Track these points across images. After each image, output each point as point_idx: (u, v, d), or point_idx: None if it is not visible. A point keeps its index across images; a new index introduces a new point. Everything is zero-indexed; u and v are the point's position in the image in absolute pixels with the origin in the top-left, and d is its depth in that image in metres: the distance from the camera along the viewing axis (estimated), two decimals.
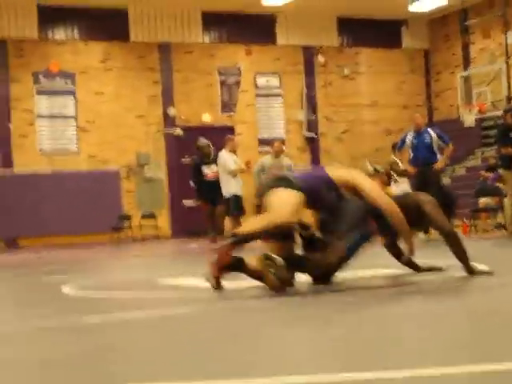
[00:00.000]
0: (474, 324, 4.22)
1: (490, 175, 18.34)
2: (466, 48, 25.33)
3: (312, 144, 25.31)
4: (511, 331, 3.87)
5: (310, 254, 6.32)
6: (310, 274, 6.37)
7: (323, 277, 6.31)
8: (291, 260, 6.11)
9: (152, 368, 3.33)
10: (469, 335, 3.85)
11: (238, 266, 6.16)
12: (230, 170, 14.70)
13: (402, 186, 17.14)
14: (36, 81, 22.41)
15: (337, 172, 6.57)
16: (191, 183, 16.46)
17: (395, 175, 17.45)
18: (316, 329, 4.30)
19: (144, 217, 22.73)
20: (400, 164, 16.78)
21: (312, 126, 25.29)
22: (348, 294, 5.86)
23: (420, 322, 4.34)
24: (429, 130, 14.73)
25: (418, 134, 14.56)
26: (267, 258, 5.94)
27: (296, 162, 23.45)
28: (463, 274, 6.42)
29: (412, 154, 14.55)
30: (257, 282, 6.14)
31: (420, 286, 6.12)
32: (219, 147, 15.45)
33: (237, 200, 14.76)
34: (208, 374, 3.14)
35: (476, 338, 3.73)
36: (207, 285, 6.27)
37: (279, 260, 5.92)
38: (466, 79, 23.09)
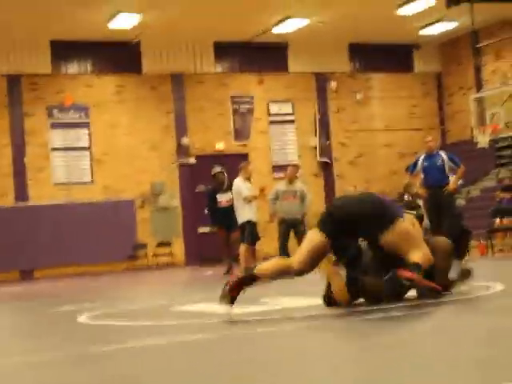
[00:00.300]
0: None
1: (506, 195, 18.28)
2: (478, 70, 25.34)
3: (326, 169, 25.32)
4: None
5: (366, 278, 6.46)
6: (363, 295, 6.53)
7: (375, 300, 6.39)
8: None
9: None
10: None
11: (250, 282, 6.27)
12: (243, 197, 14.74)
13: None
14: (50, 114, 22.56)
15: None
16: (206, 211, 16.56)
17: (409, 198, 17.46)
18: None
19: (159, 245, 22.79)
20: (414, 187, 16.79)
21: (326, 151, 25.32)
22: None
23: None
24: (440, 152, 14.76)
25: (430, 156, 14.58)
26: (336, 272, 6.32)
27: (310, 188, 23.56)
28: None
29: (423, 177, 14.57)
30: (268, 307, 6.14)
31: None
32: (233, 175, 15.51)
33: (251, 226, 14.78)
34: None
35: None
36: (223, 311, 6.27)
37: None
38: (479, 101, 23.09)
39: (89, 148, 22.89)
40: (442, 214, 14.30)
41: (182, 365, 4.12)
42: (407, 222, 6.42)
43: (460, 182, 15.70)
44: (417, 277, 6.03)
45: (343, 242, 6.47)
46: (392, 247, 6.26)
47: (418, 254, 6.19)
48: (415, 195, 16.84)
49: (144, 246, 22.69)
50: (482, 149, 22.54)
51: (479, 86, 25.14)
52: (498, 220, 17.15)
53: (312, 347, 4.51)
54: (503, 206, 17.45)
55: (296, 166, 17.37)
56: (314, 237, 6.35)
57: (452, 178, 14.44)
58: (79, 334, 6.25)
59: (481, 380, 3.17)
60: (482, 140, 22.26)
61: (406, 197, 18.08)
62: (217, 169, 15.91)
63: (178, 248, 23.24)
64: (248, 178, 15.18)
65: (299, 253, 6.40)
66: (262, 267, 6.40)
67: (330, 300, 6.46)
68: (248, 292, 6.25)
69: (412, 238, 6.32)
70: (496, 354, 3.70)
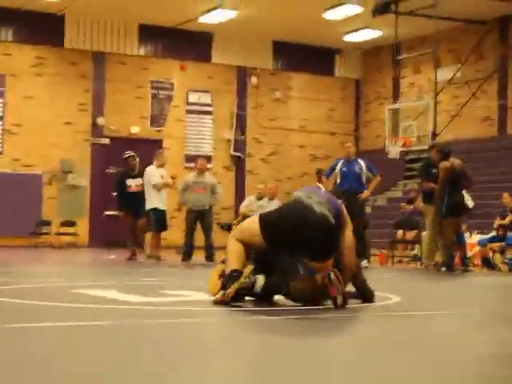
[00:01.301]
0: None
1: (410, 208, 18.69)
2: (396, 81, 25.82)
3: (238, 164, 25.45)
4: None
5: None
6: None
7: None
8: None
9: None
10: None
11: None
12: (153, 184, 14.80)
13: None
14: None
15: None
16: (114, 194, 16.47)
17: None
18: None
19: (63, 224, 22.51)
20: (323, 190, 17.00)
21: (240, 145, 25.44)
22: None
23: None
24: (359, 160, 14.92)
25: (349, 162, 14.75)
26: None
27: (221, 181, 23.65)
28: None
29: (339, 181, 14.71)
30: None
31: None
32: (145, 160, 15.49)
33: (156, 214, 14.83)
34: None
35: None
36: (122, 297, 6.27)
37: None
38: (394, 112, 23.49)
39: (1, 118, 22.49)
40: (352, 219, 14.49)
41: (81, 348, 4.13)
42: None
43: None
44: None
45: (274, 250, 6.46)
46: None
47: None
48: None
49: (48, 223, 22.40)
50: (392, 159, 22.95)
51: (396, 97, 25.61)
52: (400, 231, 17.50)
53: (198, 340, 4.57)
54: (406, 218, 17.82)
55: (206, 158, 17.43)
56: (254, 230, 6.32)
57: (367, 188, 14.60)
58: None
59: None
60: (393, 151, 22.67)
61: None
62: (129, 153, 15.82)
63: (83, 228, 23.03)
64: (161, 166, 15.21)
65: (239, 231, 6.47)
66: (233, 258, 6.35)
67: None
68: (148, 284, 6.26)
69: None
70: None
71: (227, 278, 6.24)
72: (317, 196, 6.44)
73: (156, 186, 14.83)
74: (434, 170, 13.52)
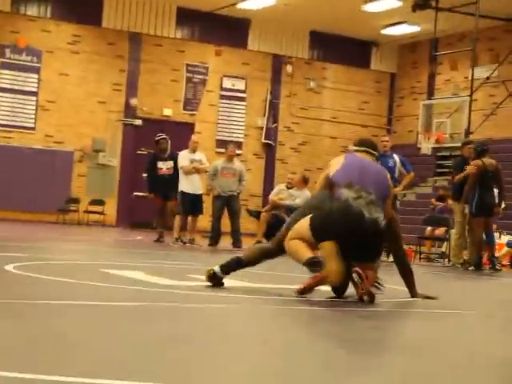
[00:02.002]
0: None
1: (440, 205, 18.60)
2: (432, 77, 25.64)
3: (269, 151, 25.42)
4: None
5: None
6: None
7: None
8: None
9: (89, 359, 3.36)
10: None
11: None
12: (180, 167, 14.92)
13: None
14: (2, 53, 22.20)
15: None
16: (144, 175, 16.53)
17: None
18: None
19: (92, 202, 22.60)
20: None
21: (271, 133, 25.40)
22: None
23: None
24: (394, 154, 14.76)
25: (383, 156, 14.62)
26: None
27: (251, 168, 23.65)
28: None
29: None
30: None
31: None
32: (177, 143, 15.55)
33: (186, 198, 14.88)
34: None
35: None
36: (150, 280, 6.29)
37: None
38: (428, 108, 23.33)
39: (36, 93, 22.60)
40: None
41: (110, 328, 4.15)
42: None
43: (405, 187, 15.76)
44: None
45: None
46: None
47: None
48: None
49: (77, 200, 22.52)
50: (423, 155, 22.84)
51: (431, 93, 25.45)
52: (429, 228, 17.40)
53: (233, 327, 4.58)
54: (436, 215, 17.73)
55: (237, 145, 17.42)
56: (305, 234, 6.35)
57: (400, 184, 14.48)
58: (4, 283, 6.22)
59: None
60: (425, 146, 22.53)
61: None
62: (161, 135, 15.85)
63: (111, 208, 23.12)
64: (193, 151, 15.22)
65: (294, 234, 6.46)
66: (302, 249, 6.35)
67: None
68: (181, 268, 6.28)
69: None
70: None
71: (310, 265, 6.20)
72: (365, 192, 6.33)
73: (182, 168, 14.92)
74: (466, 168, 13.43)
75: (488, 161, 13.34)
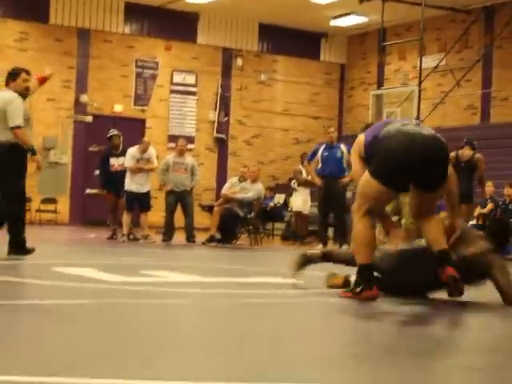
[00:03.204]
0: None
1: None
2: (381, 67, 25.82)
3: (221, 145, 25.42)
4: None
5: None
6: None
7: None
8: None
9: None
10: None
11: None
12: (125, 165, 14.92)
13: (301, 196, 17.57)
14: None
15: None
16: (96, 172, 16.45)
17: (295, 185, 17.87)
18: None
19: (44, 201, 22.39)
20: (304, 174, 17.15)
21: (223, 127, 25.41)
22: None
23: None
24: (341, 145, 15.06)
25: (331, 147, 14.84)
26: None
27: (203, 162, 23.64)
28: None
29: (321, 166, 14.80)
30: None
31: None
32: (128, 139, 15.49)
33: (129, 195, 14.85)
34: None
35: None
36: (101, 276, 6.28)
37: None
38: (378, 98, 23.48)
39: None
40: (332, 204, 14.68)
41: (62, 327, 4.15)
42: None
43: None
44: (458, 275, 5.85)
45: None
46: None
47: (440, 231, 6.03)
48: (303, 183, 17.25)
49: (28, 199, 22.22)
50: None
51: (380, 83, 25.63)
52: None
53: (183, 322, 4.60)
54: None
55: (189, 139, 17.42)
56: (373, 186, 5.96)
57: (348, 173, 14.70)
58: None
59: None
60: None
61: (292, 183, 18.48)
62: (113, 131, 15.77)
63: (63, 206, 22.94)
64: (144, 151, 15.10)
65: (363, 199, 6.03)
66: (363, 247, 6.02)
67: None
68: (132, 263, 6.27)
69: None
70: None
71: (359, 274, 5.96)
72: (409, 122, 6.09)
73: (127, 168, 14.92)
74: None
75: (465, 152, 13.55)
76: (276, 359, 3.57)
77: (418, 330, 4.98)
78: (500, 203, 16.23)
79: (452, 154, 13.39)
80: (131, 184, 14.89)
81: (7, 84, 9.23)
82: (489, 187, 16.09)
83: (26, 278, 6.72)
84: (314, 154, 15.07)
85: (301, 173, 17.62)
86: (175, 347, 3.81)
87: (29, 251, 8.83)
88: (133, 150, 15.04)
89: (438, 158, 6.02)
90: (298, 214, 17.67)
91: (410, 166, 5.87)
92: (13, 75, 9.25)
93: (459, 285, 5.87)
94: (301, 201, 17.57)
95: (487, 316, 5.84)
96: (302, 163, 17.85)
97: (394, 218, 13.18)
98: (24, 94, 9.20)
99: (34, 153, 9.06)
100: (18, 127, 8.83)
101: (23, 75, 9.28)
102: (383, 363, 3.61)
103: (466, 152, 13.58)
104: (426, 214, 6.01)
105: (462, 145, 13.77)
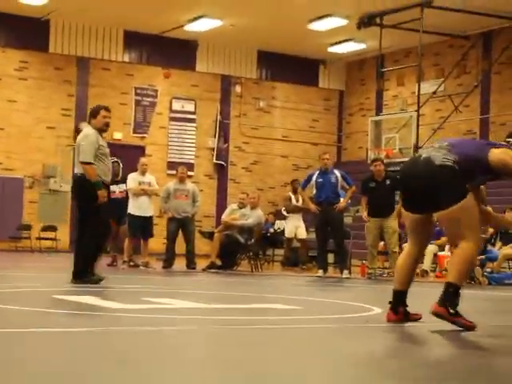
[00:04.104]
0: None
1: None
2: (379, 93, 25.91)
3: (221, 172, 25.46)
4: None
5: None
6: None
7: None
8: None
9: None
10: None
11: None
12: (128, 188, 14.93)
13: (292, 222, 17.73)
14: None
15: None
16: None
17: (285, 212, 18.03)
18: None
19: (44, 228, 22.38)
20: (294, 200, 17.34)
21: (222, 154, 25.45)
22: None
23: None
24: (335, 170, 15.09)
25: (325, 173, 14.84)
26: None
27: (203, 188, 23.66)
28: None
29: (315, 192, 14.80)
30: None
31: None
32: (128, 166, 15.52)
33: (128, 219, 14.83)
34: None
35: None
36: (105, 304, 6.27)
37: None
38: (377, 124, 23.51)
39: None
40: (331, 230, 14.68)
41: (66, 354, 4.13)
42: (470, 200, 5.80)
43: (349, 201, 16.15)
44: (448, 316, 5.80)
45: None
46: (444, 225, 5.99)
47: (459, 262, 5.85)
48: (291, 210, 17.43)
49: (29, 227, 22.30)
50: None
51: (379, 109, 25.70)
52: (381, 243, 17.51)
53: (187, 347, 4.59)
54: None
55: (188, 166, 17.48)
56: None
57: (343, 198, 14.84)
58: None
59: None
60: None
61: (282, 210, 18.65)
62: (113, 159, 15.77)
63: (64, 233, 22.93)
64: (143, 173, 15.18)
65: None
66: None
67: None
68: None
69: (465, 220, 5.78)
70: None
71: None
72: (438, 142, 5.97)
73: (130, 190, 14.92)
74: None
75: None
76: None
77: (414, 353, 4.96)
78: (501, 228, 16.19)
79: None
80: (136, 208, 14.87)
81: (89, 121, 10.04)
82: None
83: (27, 306, 6.70)
84: (308, 180, 15.07)
85: (290, 199, 17.77)
86: (178, 373, 3.80)
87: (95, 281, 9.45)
88: (133, 174, 15.10)
89: (414, 185, 5.87)
90: (290, 240, 17.85)
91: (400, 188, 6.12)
92: (93, 113, 9.98)
93: (447, 319, 5.86)
94: (293, 227, 17.67)
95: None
96: (293, 190, 17.96)
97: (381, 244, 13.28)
98: (104, 129, 10.00)
99: (98, 187, 9.84)
100: (87, 163, 9.79)
101: (103, 112, 9.94)
102: None
103: None
104: (451, 241, 6.03)
105: None
